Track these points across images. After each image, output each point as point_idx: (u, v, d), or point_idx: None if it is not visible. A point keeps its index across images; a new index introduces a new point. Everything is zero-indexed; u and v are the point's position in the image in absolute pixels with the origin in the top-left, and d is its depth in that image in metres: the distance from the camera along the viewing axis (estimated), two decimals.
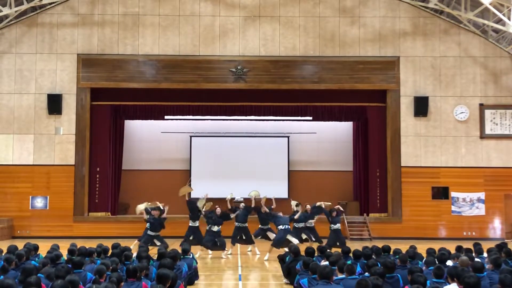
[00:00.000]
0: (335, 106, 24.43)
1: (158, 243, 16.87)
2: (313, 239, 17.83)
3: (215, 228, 17.29)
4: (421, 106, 23.07)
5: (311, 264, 9.24)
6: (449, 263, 10.12)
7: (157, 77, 23.15)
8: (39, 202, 22.81)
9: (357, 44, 23.30)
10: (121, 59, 23.05)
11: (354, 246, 16.02)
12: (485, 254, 11.31)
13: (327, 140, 26.58)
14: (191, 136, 26.24)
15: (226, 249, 17.39)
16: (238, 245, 18.41)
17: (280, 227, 16.94)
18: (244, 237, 17.82)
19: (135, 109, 24.41)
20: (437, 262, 9.66)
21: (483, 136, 23.15)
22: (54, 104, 22.76)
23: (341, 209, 18.38)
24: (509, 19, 20.62)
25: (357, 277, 8.30)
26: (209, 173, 25.74)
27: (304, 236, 17.80)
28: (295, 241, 16.42)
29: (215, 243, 17.21)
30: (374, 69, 23.20)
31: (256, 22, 23.30)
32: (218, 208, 17.83)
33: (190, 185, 20.67)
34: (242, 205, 18.57)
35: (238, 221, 17.85)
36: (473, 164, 23.13)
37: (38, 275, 7.76)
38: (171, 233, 20.45)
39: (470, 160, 23.15)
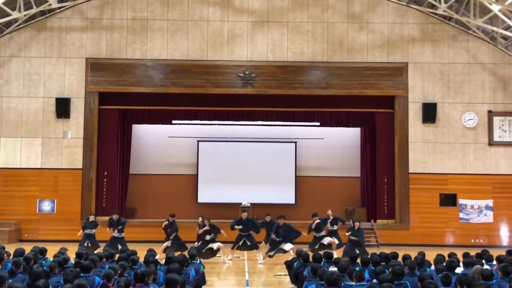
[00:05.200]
0: (343, 112, 24.36)
1: None
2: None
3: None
4: (430, 113, 23.00)
5: (319, 270, 9.20)
6: (457, 270, 10.06)
7: (165, 81, 23.18)
8: (46, 206, 22.83)
9: (365, 50, 23.27)
10: (129, 63, 23.09)
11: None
12: (494, 262, 11.24)
13: (334, 146, 26.51)
14: (198, 141, 26.22)
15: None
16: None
17: None
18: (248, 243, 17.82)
19: (143, 114, 24.40)
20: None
21: (491, 143, 23.05)
22: (62, 108, 22.81)
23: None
24: None
25: (366, 284, 8.25)
26: (216, 178, 25.72)
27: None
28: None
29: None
30: (382, 75, 23.16)
31: (264, 27, 23.31)
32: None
33: None
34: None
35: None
36: (482, 171, 23.02)
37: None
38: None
39: (478, 167, 23.05)
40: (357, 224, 16.88)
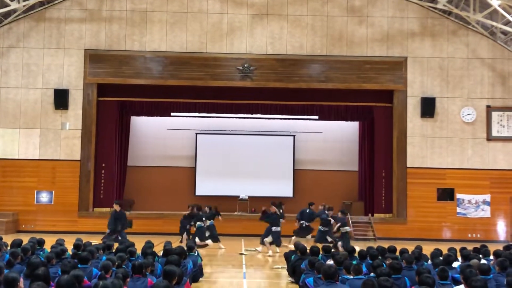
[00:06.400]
0: (342, 106, 24.36)
1: None
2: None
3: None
4: (428, 107, 23.00)
5: (317, 263, 9.21)
6: (455, 264, 10.09)
7: (164, 73, 23.13)
8: (44, 197, 22.82)
9: (364, 44, 23.23)
10: (128, 55, 23.03)
11: (359, 246, 16.00)
12: (491, 257, 11.26)
13: (333, 140, 26.51)
14: (196, 133, 26.21)
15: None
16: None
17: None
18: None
19: (141, 106, 24.38)
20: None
21: (489, 138, 23.06)
22: (61, 99, 22.76)
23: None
24: None
25: (363, 277, 8.26)
26: (214, 171, 25.73)
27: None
28: None
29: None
30: (382, 69, 23.13)
31: (263, 20, 23.25)
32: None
33: None
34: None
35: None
36: (479, 166, 23.03)
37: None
38: (173, 230, 20.45)
39: (476, 162, 23.06)
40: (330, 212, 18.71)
